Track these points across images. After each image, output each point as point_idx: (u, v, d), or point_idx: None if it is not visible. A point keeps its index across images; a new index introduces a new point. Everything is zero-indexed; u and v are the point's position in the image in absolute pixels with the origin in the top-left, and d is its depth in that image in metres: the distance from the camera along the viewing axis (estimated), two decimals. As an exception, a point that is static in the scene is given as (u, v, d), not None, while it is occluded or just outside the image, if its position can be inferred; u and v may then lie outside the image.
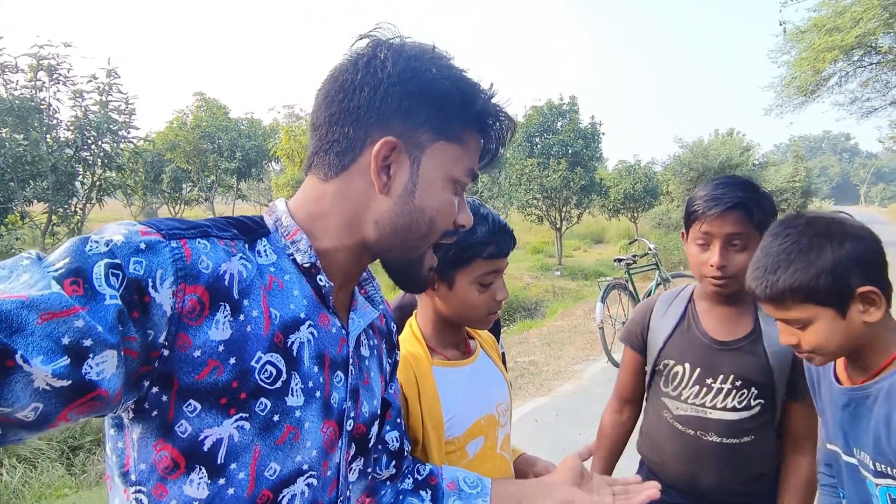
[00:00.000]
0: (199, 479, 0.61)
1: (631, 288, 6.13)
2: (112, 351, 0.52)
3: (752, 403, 1.38)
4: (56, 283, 0.51)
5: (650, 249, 6.51)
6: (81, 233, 8.10)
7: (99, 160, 7.63)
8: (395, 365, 0.97)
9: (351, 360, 0.76)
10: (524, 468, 1.29)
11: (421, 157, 0.72)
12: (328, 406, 0.72)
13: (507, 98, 0.78)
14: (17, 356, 0.46)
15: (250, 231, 0.70)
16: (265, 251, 0.70)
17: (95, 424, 4.26)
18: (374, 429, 0.83)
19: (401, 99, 0.70)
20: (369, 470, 0.86)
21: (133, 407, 0.60)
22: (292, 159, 10.78)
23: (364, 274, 0.87)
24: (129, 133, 8.00)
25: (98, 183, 7.78)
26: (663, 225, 21.20)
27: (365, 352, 0.82)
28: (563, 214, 14.28)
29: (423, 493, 0.95)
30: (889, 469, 1.02)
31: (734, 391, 1.39)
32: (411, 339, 1.23)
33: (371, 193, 0.72)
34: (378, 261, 0.81)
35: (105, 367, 0.51)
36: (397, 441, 0.94)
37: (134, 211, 24.71)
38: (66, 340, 0.48)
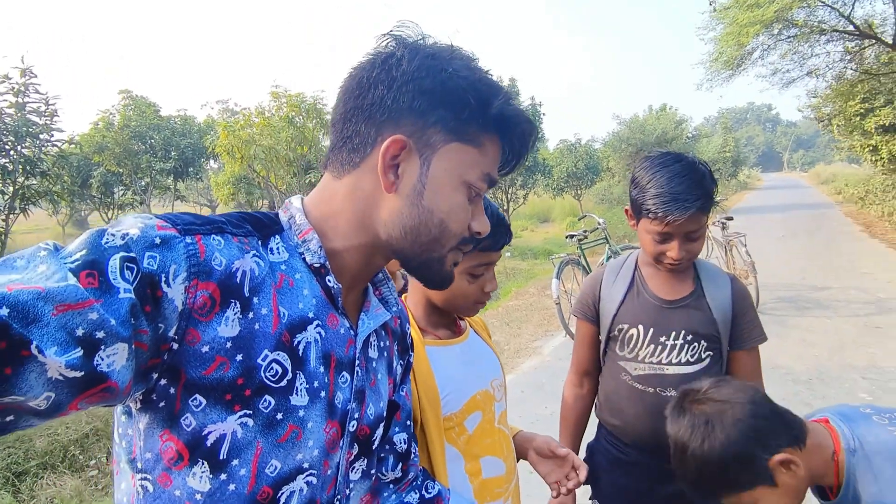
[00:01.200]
0: (202, 472, 0.62)
1: (584, 262, 6.29)
2: (123, 344, 0.52)
3: (703, 356, 1.48)
4: (72, 275, 0.51)
5: (599, 224, 6.69)
6: (5, 246, 7.60)
7: (20, 167, 7.14)
8: (407, 366, 0.96)
9: (357, 362, 0.76)
10: (523, 444, 1.32)
11: (432, 158, 0.70)
12: (332, 406, 0.72)
13: (528, 103, 0.75)
14: (33, 346, 0.46)
15: (264, 227, 0.70)
16: (277, 249, 0.70)
17: (40, 448, 4.03)
18: (380, 431, 0.83)
19: (413, 98, 0.68)
20: (373, 471, 0.86)
21: (141, 397, 0.61)
22: (232, 155, 10.40)
23: (380, 275, 0.87)
24: (51, 136, 7.52)
25: (20, 191, 7.29)
26: (606, 200, 21.87)
27: (373, 353, 0.81)
28: (509, 196, 14.47)
29: None
30: None
31: (686, 346, 1.48)
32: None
33: (380, 192, 0.71)
34: None
35: (116, 360, 0.52)
36: (405, 443, 0.94)
37: (62, 219, 23.27)
38: (79, 332, 0.49)
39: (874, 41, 12.89)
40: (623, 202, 20.63)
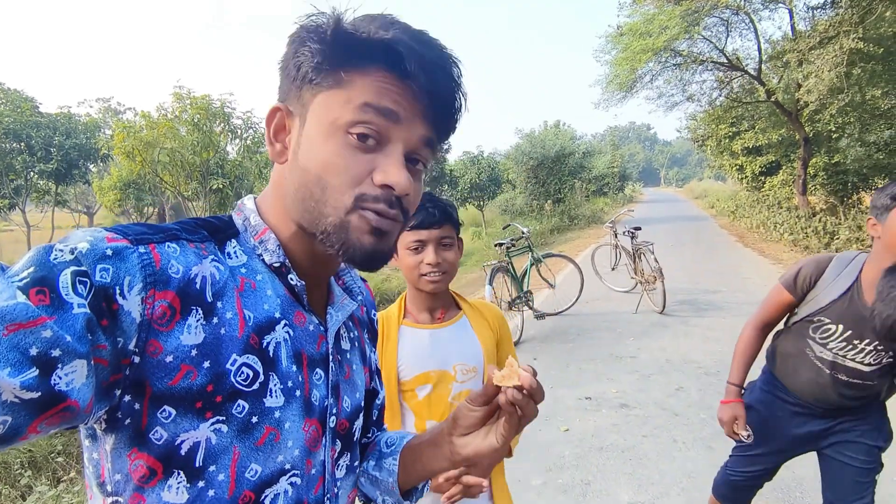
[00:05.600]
0: (178, 483, 0.60)
1: (511, 269, 6.55)
2: (82, 360, 0.50)
3: (884, 361, 1.75)
4: (21, 293, 0.48)
5: (523, 233, 7.00)
6: None
7: None
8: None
9: (331, 357, 0.75)
10: None
11: (306, 116, 0.67)
12: (309, 405, 0.71)
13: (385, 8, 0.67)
14: None
15: (219, 232, 0.68)
16: (235, 252, 0.68)
17: None
18: (359, 422, 0.83)
19: (285, 68, 0.68)
20: (356, 464, 0.85)
21: (105, 417, 0.58)
22: (132, 158, 9.67)
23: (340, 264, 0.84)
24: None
25: None
26: (508, 211, 22.68)
27: (346, 345, 0.81)
28: (422, 206, 14.58)
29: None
30: None
31: (873, 352, 1.74)
32: (397, 303, 1.58)
33: (282, 169, 0.70)
34: None
35: (75, 378, 0.49)
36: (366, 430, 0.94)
37: None
38: (33, 351, 0.47)
39: (741, 72, 14.64)
40: (524, 213, 21.60)
